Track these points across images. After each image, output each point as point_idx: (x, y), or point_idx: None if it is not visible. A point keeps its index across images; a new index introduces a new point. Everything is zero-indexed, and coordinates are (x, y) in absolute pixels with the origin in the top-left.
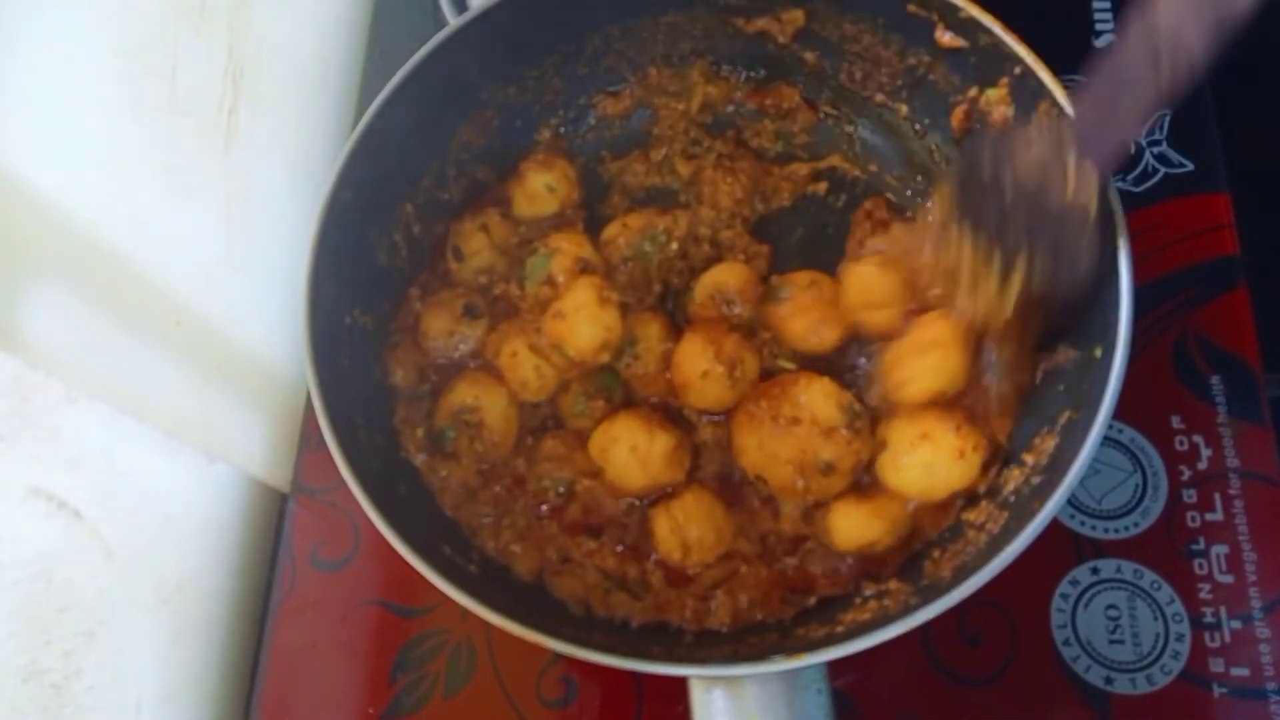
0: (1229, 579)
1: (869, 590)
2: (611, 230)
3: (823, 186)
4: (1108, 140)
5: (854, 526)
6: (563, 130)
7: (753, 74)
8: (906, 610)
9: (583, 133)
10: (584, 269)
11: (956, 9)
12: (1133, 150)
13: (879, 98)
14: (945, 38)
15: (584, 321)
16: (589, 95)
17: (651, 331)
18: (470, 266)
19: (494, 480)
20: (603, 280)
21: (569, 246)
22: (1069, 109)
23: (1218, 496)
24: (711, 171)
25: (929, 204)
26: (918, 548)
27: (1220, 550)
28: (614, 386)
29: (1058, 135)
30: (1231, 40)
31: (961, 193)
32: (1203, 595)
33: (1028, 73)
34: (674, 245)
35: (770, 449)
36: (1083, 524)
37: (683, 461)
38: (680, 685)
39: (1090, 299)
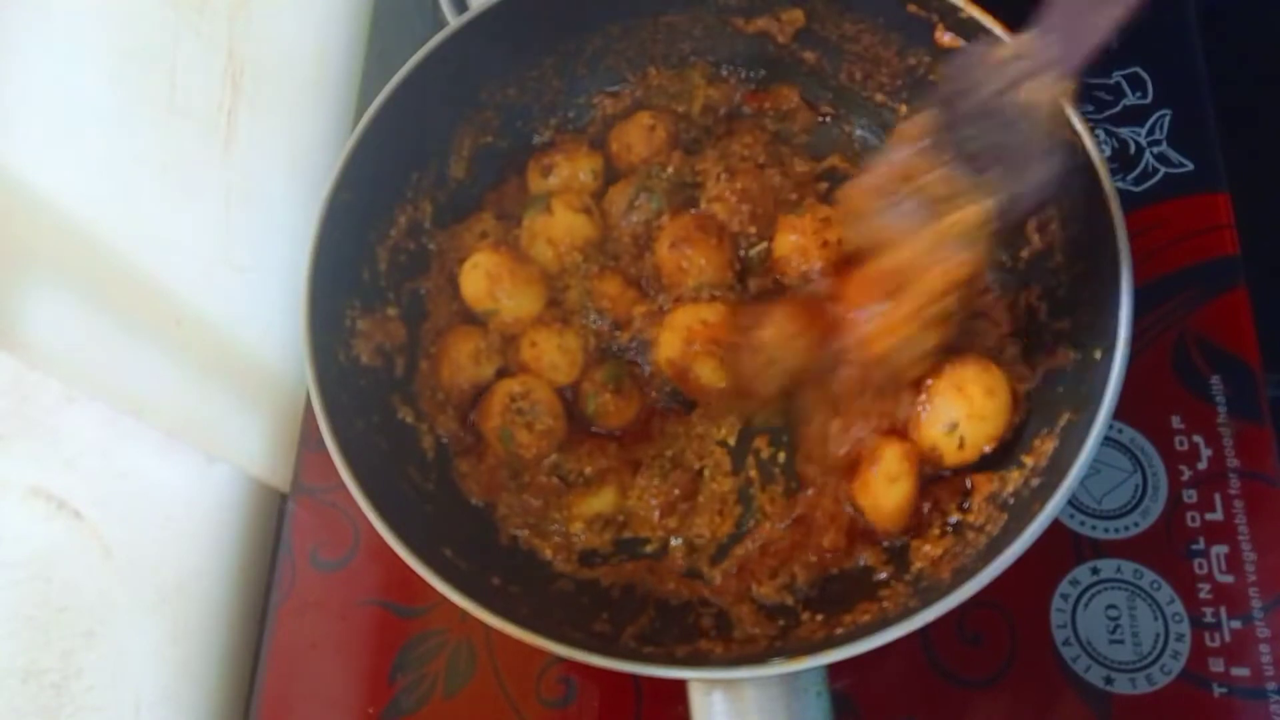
0: (1229, 579)
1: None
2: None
3: (823, 187)
4: (1077, 50)
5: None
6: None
7: (752, 74)
8: (906, 612)
9: (582, 131)
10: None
11: (956, 9)
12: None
13: (879, 98)
14: (945, 38)
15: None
16: (589, 95)
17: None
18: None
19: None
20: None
21: (566, 167)
22: (1068, 110)
23: (1218, 496)
24: (721, 147)
25: (898, 130)
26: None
27: (1220, 550)
28: (621, 377)
29: (1031, 43)
30: (1232, 41)
31: (944, 110)
32: (1203, 595)
33: None
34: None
35: None
36: (1083, 524)
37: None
38: (680, 686)
39: (1092, 295)
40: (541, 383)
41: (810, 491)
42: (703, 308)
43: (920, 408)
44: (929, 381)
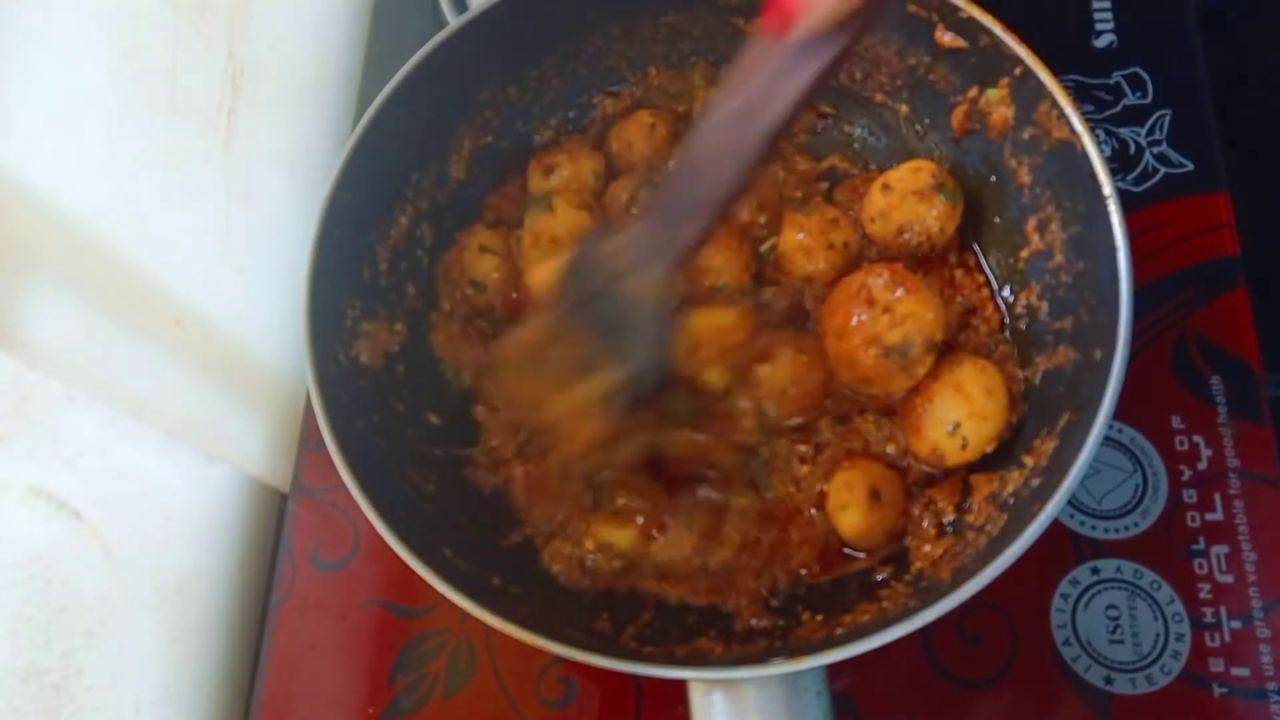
0: (1229, 579)
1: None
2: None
3: (824, 186)
4: (669, 250)
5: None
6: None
7: None
8: (906, 613)
9: (583, 131)
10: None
11: (956, 9)
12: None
13: (879, 98)
14: (945, 38)
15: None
16: (589, 95)
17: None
18: (494, 291)
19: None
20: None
21: (568, 167)
22: (1068, 110)
23: (1218, 496)
24: None
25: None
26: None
27: (1220, 550)
28: (683, 412)
29: (635, 244)
30: (1232, 41)
31: (571, 289)
32: (1203, 595)
33: (1028, 73)
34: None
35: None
36: (1083, 524)
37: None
38: (680, 686)
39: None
40: None
41: (777, 496)
42: (716, 312)
43: (918, 413)
44: (926, 383)
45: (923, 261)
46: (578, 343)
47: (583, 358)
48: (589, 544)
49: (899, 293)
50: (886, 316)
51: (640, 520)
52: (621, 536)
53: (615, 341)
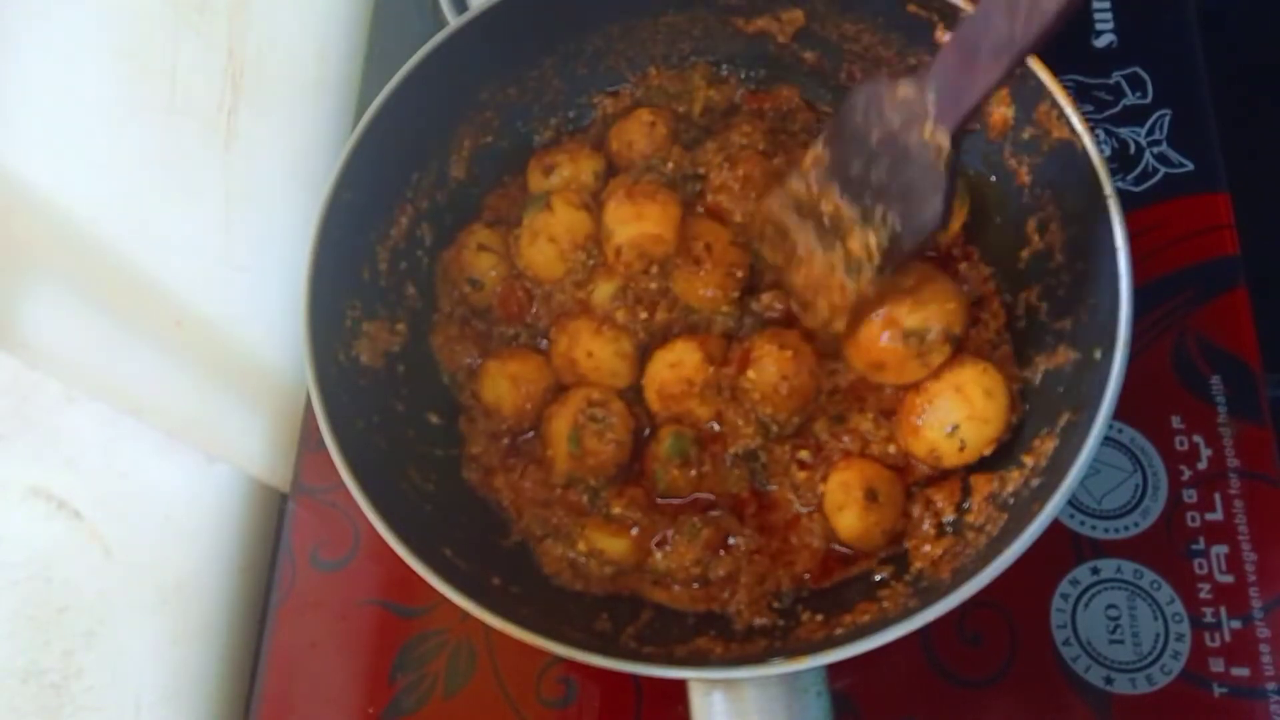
0: (1229, 579)
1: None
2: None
3: None
4: (964, 99)
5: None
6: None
7: (752, 74)
8: (906, 613)
9: (583, 131)
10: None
11: (956, 9)
12: (1133, 149)
13: None
14: (945, 38)
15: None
16: (589, 95)
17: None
18: (490, 290)
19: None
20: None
21: (568, 167)
22: (1068, 110)
23: (1218, 496)
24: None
25: (805, 154)
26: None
27: (1220, 550)
28: (686, 450)
29: (920, 91)
30: (1232, 41)
31: (837, 143)
32: (1203, 595)
33: (1028, 73)
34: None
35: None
36: (1083, 524)
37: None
38: (680, 686)
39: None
40: (615, 396)
41: (778, 494)
42: (676, 347)
43: (918, 413)
44: (926, 384)
45: (927, 260)
46: (832, 206)
47: (839, 221)
48: (581, 546)
49: (922, 280)
50: (909, 299)
51: (635, 532)
52: (614, 545)
53: (879, 202)
